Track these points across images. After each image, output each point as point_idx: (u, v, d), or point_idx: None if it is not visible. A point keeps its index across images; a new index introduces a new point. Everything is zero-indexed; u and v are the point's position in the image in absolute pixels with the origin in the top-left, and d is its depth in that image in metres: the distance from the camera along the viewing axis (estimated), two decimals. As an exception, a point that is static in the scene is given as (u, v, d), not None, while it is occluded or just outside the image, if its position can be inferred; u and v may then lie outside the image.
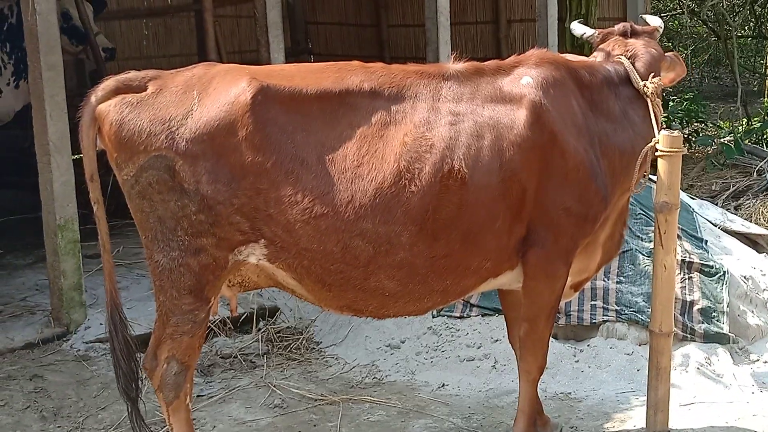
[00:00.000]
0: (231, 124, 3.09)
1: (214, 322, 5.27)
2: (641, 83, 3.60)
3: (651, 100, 3.58)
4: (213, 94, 3.15)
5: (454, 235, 3.22)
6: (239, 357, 5.06)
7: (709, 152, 10.56)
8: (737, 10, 13.63)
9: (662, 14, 16.32)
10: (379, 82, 3.27)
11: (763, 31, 15.23)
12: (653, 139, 3.51)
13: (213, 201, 3.10)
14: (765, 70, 16.33)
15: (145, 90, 3.20)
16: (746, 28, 15.04)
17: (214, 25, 7.73)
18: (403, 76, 3.32)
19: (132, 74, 3.28)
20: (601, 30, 3.96)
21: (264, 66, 3.49)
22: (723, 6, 12.33)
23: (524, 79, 3.37)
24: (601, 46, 3.87)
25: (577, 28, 4.04)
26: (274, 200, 3.10)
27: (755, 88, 16.36)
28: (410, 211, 3.15)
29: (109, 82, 3.26)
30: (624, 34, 3.84)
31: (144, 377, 4.48)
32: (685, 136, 9.76)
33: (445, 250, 3.23)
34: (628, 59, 3.70)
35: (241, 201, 3.10)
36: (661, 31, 3.95)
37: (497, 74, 3.42)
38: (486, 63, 3.50)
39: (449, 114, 3.26)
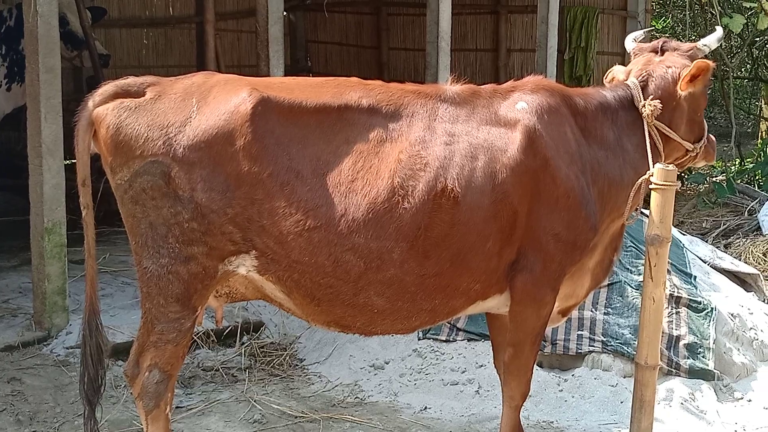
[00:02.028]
0: (229, 133, 3.09)
1: (198, 334, 5.23)
2: (641, 104, 3.57)
3: (647, 123, 3.56)
4: (212, 102, 3.15)
5: (444, 254, 3.22)
6: (221, 370, 5.01)
7: (701, 190, 10.62)
8: (735, 52, 13.76)
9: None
10: (377, 99, 3.28)
11: (760, 73, 15.38)
12: (647, 172, 3.49)
13: (207, 209, 3.08)
14: (760, 112, 16.46)
15: (144, 95, 3.20)
16: (743, 69, 15.17)
17: (214, 38, 7.75)
18: (400, 94, 3.33)
19: (131, 80, 3.27)
20: (639, 44, 3.87)
21: (264, 78, 3.49)
22: (721, 46, 12.44)
23: (519, 104, 3.38)
24: (634, 61, 3.79)
25: (629, 41, 3.92)
26: (268, 211, 3.09)
27: (749, 130, 16.48)
28: (402, 228, 3.14)
29: (107, 87, 3.25)
30: (654, 51, 3.75)
31: (124, 385, 4.46)
32: (678, 173, 9.84)
33: (435, 268, 3.22)
34: (643, 79, 3.63)
35: (234, 210, 3.09)
36: (705, 49, 3.72)
37: (493, 98, 3.43)
38: (483, 86, 3.52)
39: (445, 134, 3.27)
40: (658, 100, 3.55)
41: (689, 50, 3.73)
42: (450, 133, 3.27)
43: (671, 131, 3.62)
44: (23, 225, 5.49)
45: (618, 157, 3.57)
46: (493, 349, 3.90)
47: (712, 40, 3.76)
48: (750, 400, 4.76)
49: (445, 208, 3.18)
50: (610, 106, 3.61)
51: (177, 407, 4.46)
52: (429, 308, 3.31)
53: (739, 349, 5.10)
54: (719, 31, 3.82)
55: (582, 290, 3.74)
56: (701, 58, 3.66)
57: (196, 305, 3.23)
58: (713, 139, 3.97)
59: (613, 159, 3.56)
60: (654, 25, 14.74)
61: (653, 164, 3.49)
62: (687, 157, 3.81)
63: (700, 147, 3.80)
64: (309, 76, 12.58)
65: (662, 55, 3.72)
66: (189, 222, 3.09)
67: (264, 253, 3.15)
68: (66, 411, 4.40)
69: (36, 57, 5.04)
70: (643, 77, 3.64)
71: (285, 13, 10.70)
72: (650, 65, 3.68)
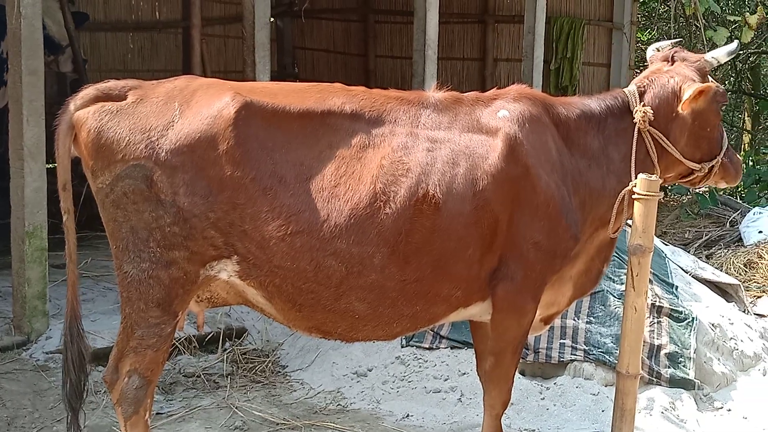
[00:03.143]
0: (213, 138, 3.08)
1: (179, 339, 5.20)
2: (635, 110, 3.54)
3: (641, 129, 3.52)
4: (195, 106, 3.14)
5: (425, 260, 3.22)
6: (202, 376, 4.98)
7: (684, 201, 10.70)
8: (719, 65, 13.90)
9: (646, 63, 16.59)
10: (360, 105, 3.28)
11: (743, 86, 15.54)
12: (630, 183, 3.47)
13: (189, 213, 3.07)
14: (743, 125, 16.63)
15: (125, 99, 3.18)
16: (726, 82, 15.32)
17: (201, 43, 7.74)
18: (383, 101, 3.34)
19: (112, 83, 3.26)
20: (655, 53, 3.83)
21: (246, 82, 3.48)
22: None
23: (501, 112, 3.39)
24: (646, 69, 3.76)
25: (651, 49, 3.87)
26: (250, 216, 3.09)
27: (732, 143, 16.63)
28: (383, 233, 3.15)
29: (88, 90, 3.23)
30: (665, 60, 3.71)
31: (103, 391, 4.42)
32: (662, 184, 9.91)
33: (416, 274, 3.22)
34: (642, 86, 3.60)
35: (216, 215, 3.08)
36: (713, 62, 3.63)
37: (476, 105, 3.43)
38: (465, 94, 3.52)
39: (427, 140, 3.27)
40: (649, 107, 3.52)
41: (696, 61, 3.65)
42: (432, 140, 3.28)
43: (668, 143, 3.56)
44: (4, 228, 5.44)
45: (601, 167, 3.56)
46: (476, 357, 3.89)
47: (721, 54, 3.68)
48: (729, 410, 4.79)
49: (426, 213, 3.18)
50: (596, 115, 3.59)
51: (157, 413, 4.43)
52: (410, 314, 3.31)
53: (719, 359, 5.13)
54: (733, 45, 3.74)
55: (563, 299, 3.74)
56: (708, 70, 3.62)
57: (177, 310, 3.20)
58: (737, 159, 3.81)
59: (596, 168, 3.55)
60: (639, 38, 14.84)
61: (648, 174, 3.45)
62: (695, 176, 3.72)
63: (712, 166, 3.68)
64: (296, 82, 12.58)
65: (672, 64, 3.68)
66: (170, 226, 3.07)
67: (245, 258, 3.14)
68: (44, 416, 4.36)
69: (19, 59, 5.01)
70: (643, 85, 3.62)
71: (272, 19, 10.70)
72: (655, 74, 3.66)
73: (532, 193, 3.32)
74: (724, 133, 3.80)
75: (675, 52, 3.72)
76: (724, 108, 3.74)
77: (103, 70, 9.86)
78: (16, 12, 4.95)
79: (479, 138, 3.33)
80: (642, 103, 3.55)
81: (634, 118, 3.54)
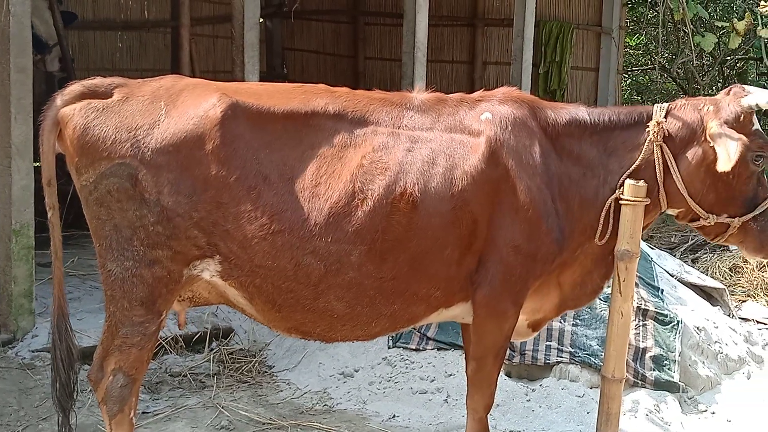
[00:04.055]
0: (199, 138, 3.09)
1: (166, 339, 5.19)
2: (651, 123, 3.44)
3: (652, 141, 3.42)
4: (181, 106, 3.15)
5: (401, 258, 3.22)
6: (189, 376, 4.97)
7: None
8: (706, 70, 13.98)
9: (634, 68, 16.69)
10: (343, 105, 3.30)
11: (730, 92, 15.61)
12: (617, 190, 3.43)
13: (172, 213, 3.08)
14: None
15: (111, 97, 3.18)
16: (714, 87, 15.40)
17: (190, 42, 7.74)
18: (366, 101, 3.35)
19: (98, 80, 3.26)
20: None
21: (231, 83, 3.49)
22: (693, 64, 12.65)
23: (485, 114, 3.38)
24: None
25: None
26: (233, 215, 3.10)
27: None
28: (361, 230, 3.16)
29: (74, 87, 3.23)
30: (727, 94, 3.50)
31: (89, 390, 4.41)
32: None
33: (393, 272, 3.23)
34: (674, 105, 3.50)
35: (200, 215, 3.09)
36: (751, 101, 3.35)
37: (459, 106, 3.43)
38: (450, 95, 3.51)
39: (408, 140, 3.28)
40: (664, 120, 3.41)
41: (741, 97, 3.42)
42: (413, 140, 3.29)
43: (673, 164, 3.40)
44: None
45: (597, 176, 3.49)
46: (465, 359, 3.88)
47: (764, 100, 3.36)
48: (714, 413, 4.82)
49: (403, 211, 3.19)
50: (591, 125, 3.50)
51: (143, 412, 4.42)
52: (388, 314, 3.31)
53: (704, 362, 5.16)
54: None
55: (549, 305, 3.68)
56: (750, 111, 3.38)
57: (161, 309, 3.21)
58: None
59: (591, 177, 3.48)
60: (627, 42, 14.92)
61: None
62: (701, 223, 3.48)
63: (729, 222, 3.44)
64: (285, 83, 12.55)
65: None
66: (154, 225, 3.08)
67: (227, 258, 3.15)
68: (30, 414, 4.34)
69: (7, 57, 4.99)
70: (676, 104, 3.50)
71: (262, 19, 10.68)
72: (696, 100, 3.52)
73: (512, 196, 3.31)
74: (767, 198, 3.43)
75: (732, 88, 3.51)
76: (762, 162, 3.40)
77: (91, 68, 9.81)
78: (5, 9, 4.93)
79: (461, 139, 3.33)
80: (656, 124, 3.42)
81: (648, 134, 3.43)
